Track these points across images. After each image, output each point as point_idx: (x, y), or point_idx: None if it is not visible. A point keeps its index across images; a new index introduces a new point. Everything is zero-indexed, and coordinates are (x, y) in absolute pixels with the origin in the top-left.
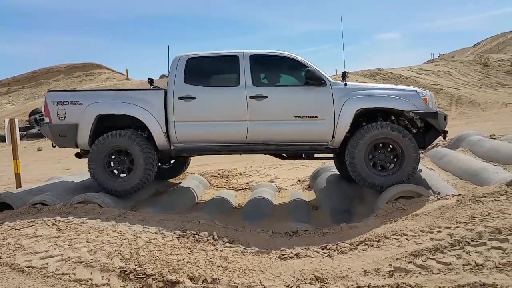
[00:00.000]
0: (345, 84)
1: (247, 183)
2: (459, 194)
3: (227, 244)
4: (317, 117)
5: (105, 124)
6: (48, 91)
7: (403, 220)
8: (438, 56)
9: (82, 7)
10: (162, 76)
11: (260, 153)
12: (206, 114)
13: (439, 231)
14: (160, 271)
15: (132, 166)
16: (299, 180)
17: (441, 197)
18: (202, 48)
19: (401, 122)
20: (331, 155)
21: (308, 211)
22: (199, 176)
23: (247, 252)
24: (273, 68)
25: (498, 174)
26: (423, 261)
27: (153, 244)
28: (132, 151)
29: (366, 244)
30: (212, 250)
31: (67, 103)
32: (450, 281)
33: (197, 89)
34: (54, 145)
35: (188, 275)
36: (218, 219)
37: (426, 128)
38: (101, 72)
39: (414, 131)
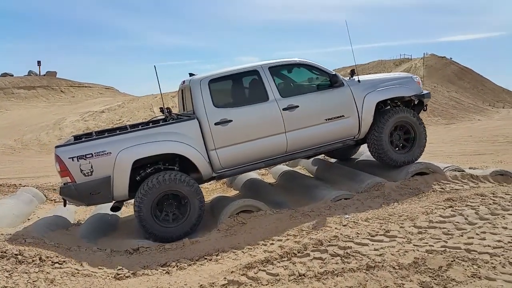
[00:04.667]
0: (358, 81)
1: None
2: (292, 209)
3: (56, 265)
4: (343, 116)
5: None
6: (58, 146)
7: (242, 234)
8: None
9: None
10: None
11: (303, 158)
12: (246, 134)
13: (272, 244)
14: None
15: (178, 209)
16: None
17: (277, 212)
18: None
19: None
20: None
21: None
22: (33, 189)
23: (79, 273)
24: (293, 76)
25: (327, 191)
26: (255, 273)
27: None
28: (183, 192)
29: (206, 258)
30: (37, 272)
31: (90, 155)
32: None
33: (230, 111)
34: (66, 204)
35: None
36: (50, 237)
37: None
38: None
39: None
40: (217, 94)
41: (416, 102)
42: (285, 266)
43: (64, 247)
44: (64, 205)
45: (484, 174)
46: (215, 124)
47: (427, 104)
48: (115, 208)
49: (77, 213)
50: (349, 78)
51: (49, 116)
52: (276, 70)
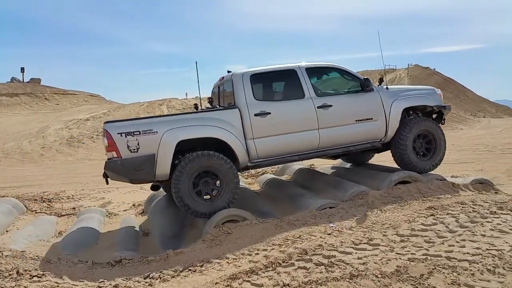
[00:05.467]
0: (387, 88)
1: (74, 208)
2: (278, 218)
3: (35, 279)
4: (372, 119)
5: (177, 148)
6: (108, 122)
7: (227, 244)
8: None
9: None
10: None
11: (330, 155)
12: (283, 127)
13: (257, 254)
14: None
15: (216, 187)
16: (133, 205)
17: (263, 221)
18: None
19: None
20: None
21: (137, 238)
22: (13, 199)
23: (58, 286)
24: (329, 78)
25: (312, 200)
26: (239, 284)
27: None
28: (221, 171)
29: (190, 270)
30: (14, 287)
31: (138, 133)
32: None
33: (269, 104)
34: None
35: None
36: (30, 250)
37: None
38: None
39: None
40: (258, 88)
41: (436, 114)
42: (270, 276)
43: (44, 260)
44: (107, 183)
45: (465, 183)
46: (255, 115)
47: (445, 118)
48: (155, 187)
49: (58, 224)
50: (378, 85)
51: (32, 124)
52: (312, 71)
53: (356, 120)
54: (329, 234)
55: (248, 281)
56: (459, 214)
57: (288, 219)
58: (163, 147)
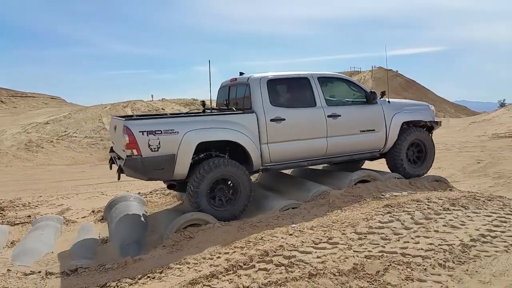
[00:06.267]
0: (389, 102)
1: (29, 216)
2: (241, 220)
3: None
4: (375, 130)
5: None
6: (128, 119)
7: (188, 249)
8: None
9: None
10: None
11: (336, 162)
12: (295, 133)
13: (219, 257)
14: None
15: (231, 193)
16: (93, 211)
17: (225, 224)
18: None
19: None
20: None
21: (95, 245)
22: None
23: None
24: (337, 89)
25: (276, 201)
26: None
27: None
28: (237, 179)
29: (149, 277)
30: None
31: (160, 132)
32: None
33: (284, 111)
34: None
35: None
36: None
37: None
38: None
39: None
40: (274, 93)
41: (426, 127)
42: (230, 279)
43: None
44: (118, 178)
45: (421, 181)
46: (271, 120)
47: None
48: (171, 186)
49: (11, 233)
50: (380, 98)
51: None
52: (323, 80)
53: (361, 131)
54: (290, 234)
55: (208, 285)
56: (414, 211)
57: (251, 221)
58: (183, 147)
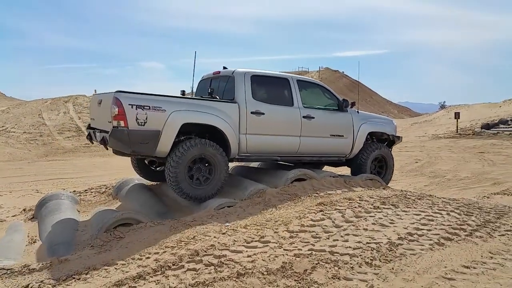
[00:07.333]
0: (358, 112)
1: None
2: (175, 219)
3: None
4: (343, 136)
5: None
6: (119, 91)
7: (117, 249)
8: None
9: None
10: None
11: (305, 162)
12: (272, 128)
13: (148, 258)
14: None
15: (207, 173)
16: (24, 210)
17: (158, 223)
18: None
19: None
20: None
21: (22, 245)
22: None
23: None
24: (313, 93)
25: (211, 199)
26: None
27: None
28: (214, 160)
29: (74, 278)
30: None
31: (148, 107)
32: None
33: (265, 105)
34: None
35: None
36: None
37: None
38: None
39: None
40: (256, 88)
41: (387, 142)
42: (157, 280)
43: None
44: (106, 148)
45: (356, 179)
46: (251, 112)
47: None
48: (151, 162)
49: None
50: (350, 108)
51: None
52: (302, 84)
53: (331, 135)
54: (223, 233)
55: (134, 286)
56: (345, 210)
57: (185, 220)
58: (168, 125)
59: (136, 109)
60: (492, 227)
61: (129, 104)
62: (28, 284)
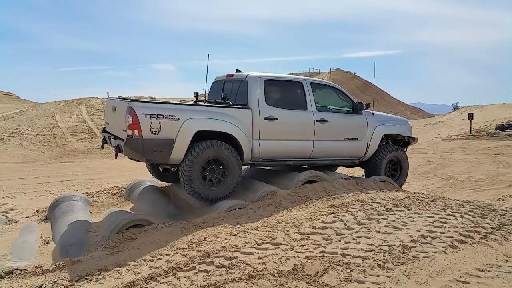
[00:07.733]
0: (373, 113)
1: None
2: (186, 221)
3: None
4: (357, 139)
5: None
6: (133, 101)
7: (129, 250)
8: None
9: None
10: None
11: (318, 165)
12: (285, 133)
13: (160, 259)
14: None
15: (221, 176)
16: (37, 211)
17: (170, 225)
18: None
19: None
20: None
21: (36, 246)
22: None
23: None
24: (327, 96)
25: (222, 201)
26: None
27: None
28: (228, 162)
29: (86, 279)
30: None
31: (162, 116)
32: None
33: (278, 111)
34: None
35: None
36: None
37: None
38: None
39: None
40: (269, 93)
41: (402, 143)
42: (169, 282)
43: None
44: (116, 157)
45: (368, 181)
46: (264, 118)
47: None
48: (166, 169)
49: None
50: (365, 110)
51: None
52: (315, 86)
53: (345, 138)
54: (234, 235)
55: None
56: (357, 212)
57: (196, 222)
58: (182, 133)
59: (150, 118)
60: (507, 229)
61: (143, 114)
62: (41, 285)
